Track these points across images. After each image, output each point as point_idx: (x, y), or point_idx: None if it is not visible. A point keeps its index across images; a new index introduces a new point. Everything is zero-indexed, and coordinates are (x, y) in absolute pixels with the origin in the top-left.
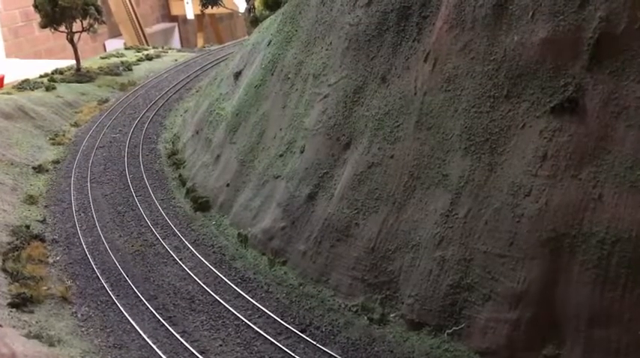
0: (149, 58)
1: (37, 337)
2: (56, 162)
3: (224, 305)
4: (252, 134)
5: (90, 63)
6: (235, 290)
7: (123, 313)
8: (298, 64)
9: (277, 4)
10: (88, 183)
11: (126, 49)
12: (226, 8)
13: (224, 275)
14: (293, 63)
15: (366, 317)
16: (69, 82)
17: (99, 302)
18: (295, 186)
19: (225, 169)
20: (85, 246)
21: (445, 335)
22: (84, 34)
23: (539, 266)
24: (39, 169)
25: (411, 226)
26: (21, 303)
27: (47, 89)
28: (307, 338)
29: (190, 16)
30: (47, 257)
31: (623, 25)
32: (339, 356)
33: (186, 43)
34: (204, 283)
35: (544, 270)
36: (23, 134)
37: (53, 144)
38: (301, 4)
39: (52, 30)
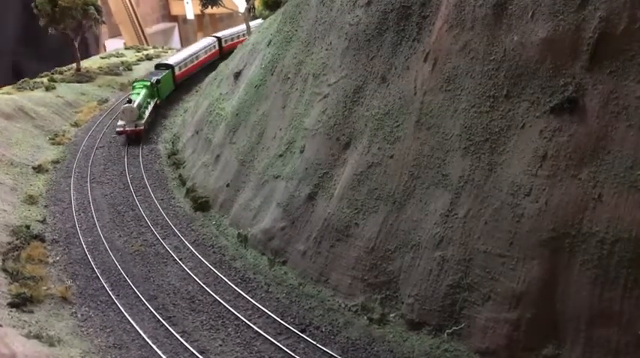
0: (149, 58)
1: (37, 337)
2: (56, 162)
3: (224, 305)
4: (252, 134)
5: (90, 63)
6: (235, 290)
7: (123, 313)
8: (298, 64)
9: (277, 4)
10: (88, 183)
11: (126, 48)
12: (226, 8)
13: (224, 275)
14: (293, 63)
15: (365, 317)
16: (69, 82)
17: (99, 302)
18: (295, 186)
19: (225, 169)
20: (84, 246)
21: (445, 335)
22: None
23: (539, 266)
24: (39, 169)
25: (410, 226)
26: (21, 303)
27: (47, 89)
28: (307, 338)
29: (190, 16)
30: (47, 257)
31: (623, 25)
32: (339, 355)
33: (186, 43)
34: (204, 283)
35: (544, 270)
36: (23, 134)
37: (53, 144)
38: (301, 4)
39: (52, 30)
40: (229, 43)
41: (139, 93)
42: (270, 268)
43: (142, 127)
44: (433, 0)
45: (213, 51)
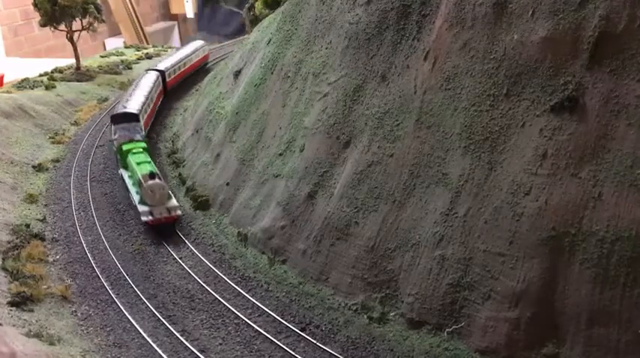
0: (149, 57)
1: (37, 336)
2: (56, 160)
3: (224, 304)
4: (251, 133)
5: (90, 61)
6: (235, 288)
7: (123, 312)
8: (298, 63)
9: (277, 2)
10: (88, 182)
11: (126, 47)
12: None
13: (224, 274)
14: (293, 62)
15: (365, 316)
16: (69, 81)
17: (99, 301)
18: (295, 184)
19: (225, 168)
20: (84, 245)
21: (445, 333)
22: (84, 32)
23: (539, 265)
24: (39, 168)
25: (410, 225)
26: (21, 302)
27: (47, 88)
28: (307, 337)
29: (190, 14)
30: (47, 255)
31: (623, 23)
32: (339, 354)
33: (186, 42)
34: (204, 282)
35: (544, 269)
36: (23, 133)
37: (53, 142)
38: (301, 3)
39: (52, 29)
40: (173, 76)
41: (148, 161)
42: (270, 267)
43: (180, 212)
44: None
45: (159, 90)
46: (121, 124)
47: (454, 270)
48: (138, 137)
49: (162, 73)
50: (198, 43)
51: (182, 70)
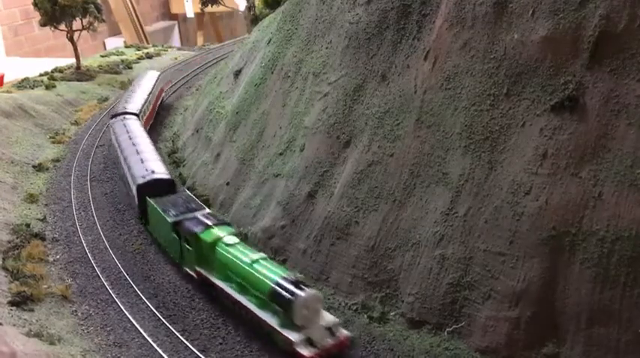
0: (149, 57)
1: (38, 335)
2: (56, 160)
3: (224, 304)
4: (252, 132)
5: (90, 61)
6: None
7: (123, 311)
8: (298, 63)
9: (277, 2)
10: (88, 182)
11: (126, 47)
12: (226, 7)
13: None
14: (293, 61)
15: (366, 316)
16: (69, 81)
17: (99, 301)
18: (295, 184)
19: (225, 168)
20: (85, 245)
21: (445, 333)
22: (84, 32)
23: (539, 264)
24: (39, 168)
25: (411, 224)
26: (21, 302)
27: (47, 87)
28: None
29: (190, 14)
30: (47, 255)
31: (623, 23)
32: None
33: (186, 42)
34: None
35: (544, 269)
36: (23, 132)
37: (53, 142)
38: (301, 2)
39: (52, 28)
40: (145, 116)
41: (264, 258)
42: None
43: (346, 332)
44: None
45: None
46: (162, 198)
47: (454, 270)
48: (211, 219)
49: (137, 116)
50: (153, 73)
51: (150, 109)
